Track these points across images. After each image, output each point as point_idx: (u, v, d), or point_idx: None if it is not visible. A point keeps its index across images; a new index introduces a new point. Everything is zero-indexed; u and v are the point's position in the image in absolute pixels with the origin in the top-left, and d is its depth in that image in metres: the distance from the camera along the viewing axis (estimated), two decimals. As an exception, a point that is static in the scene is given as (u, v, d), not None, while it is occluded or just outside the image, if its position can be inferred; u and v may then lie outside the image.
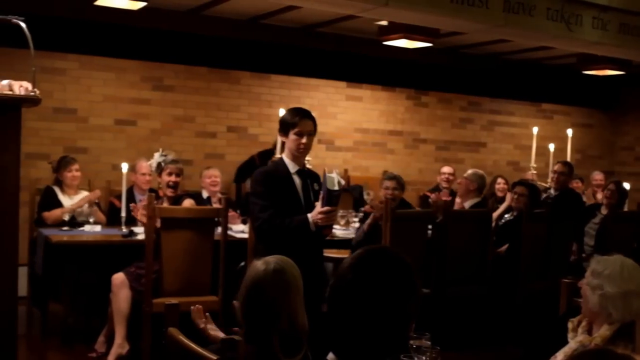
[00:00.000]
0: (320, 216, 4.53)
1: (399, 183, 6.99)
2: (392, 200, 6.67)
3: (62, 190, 7.32)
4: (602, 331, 3.34)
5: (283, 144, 4.91)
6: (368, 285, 2.06)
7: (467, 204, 7.76)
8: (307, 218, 4.58)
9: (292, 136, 4.66)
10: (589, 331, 3.43)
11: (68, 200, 7.29)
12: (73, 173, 7.33)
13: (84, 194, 7.42)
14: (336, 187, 4.49)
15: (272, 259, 3.21)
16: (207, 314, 3.63)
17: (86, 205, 7.29)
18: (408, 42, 8.54)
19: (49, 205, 7.21)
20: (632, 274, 3.35)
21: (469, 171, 8.07)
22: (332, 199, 4.51)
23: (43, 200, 7.27)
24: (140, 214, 6.07)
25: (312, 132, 4.72)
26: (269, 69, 10.14)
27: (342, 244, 7.09)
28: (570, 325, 3.51)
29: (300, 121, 4.66)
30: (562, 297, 3.93)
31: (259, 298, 3.13)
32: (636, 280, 3.34)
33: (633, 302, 3.31)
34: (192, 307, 3.60)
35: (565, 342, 3.45)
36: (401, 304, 2.06)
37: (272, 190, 4.63)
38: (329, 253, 6.39)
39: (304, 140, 4.65)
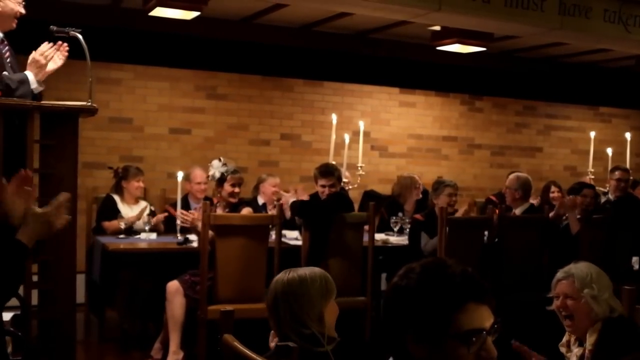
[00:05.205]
0: None
1: (456, 189, 7.13)
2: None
3: (122, 199, 7.38)
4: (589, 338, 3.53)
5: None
6: (412, 293, 2.02)
7: (518, 211, 7.64)
8: None
9: None
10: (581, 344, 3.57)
11: (127, 210, 7.34)
12: (140, 184, 7.42)
13: (143, 204, 7.47)
14: None
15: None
16: None
17: (146, 217, 7.28)
18: (461, 47, 8.48)
19: (109, 214, 7.26)
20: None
21: (510, 177, 7.89)
22: None
23: (103, 209, 7.34)
24: (182, 219, 6.20)
25: None
26: (322, 76, 10.15)
27: (396, 250, 7.06)
28: (563, 349, 3.73)
29: None
30: (624, 304, 3.84)
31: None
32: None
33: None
34: None
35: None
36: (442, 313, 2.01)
37: None
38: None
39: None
